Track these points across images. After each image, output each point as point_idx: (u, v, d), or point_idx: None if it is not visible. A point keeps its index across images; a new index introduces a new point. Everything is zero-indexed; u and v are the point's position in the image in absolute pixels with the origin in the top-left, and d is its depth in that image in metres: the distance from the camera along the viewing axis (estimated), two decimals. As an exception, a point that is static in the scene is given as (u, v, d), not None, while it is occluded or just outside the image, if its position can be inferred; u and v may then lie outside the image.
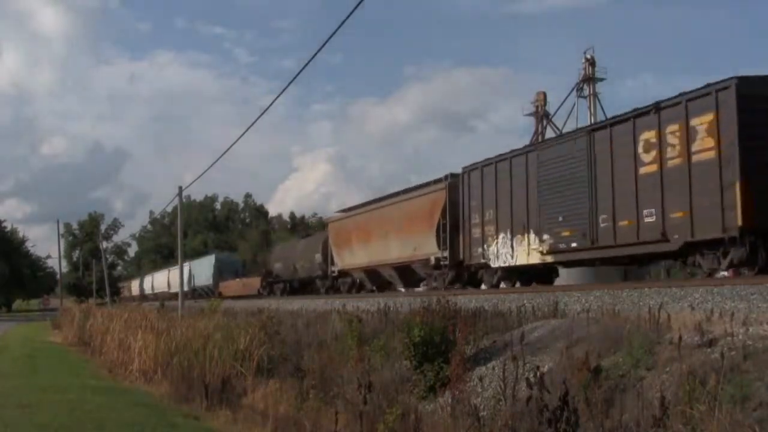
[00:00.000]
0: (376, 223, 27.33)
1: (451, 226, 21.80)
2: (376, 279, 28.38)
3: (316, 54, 12.02)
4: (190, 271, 56.66)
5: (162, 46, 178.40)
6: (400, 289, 26.80)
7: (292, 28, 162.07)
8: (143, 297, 76.24)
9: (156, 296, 66.72)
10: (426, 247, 23.06)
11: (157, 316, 22.43)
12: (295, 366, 14.06)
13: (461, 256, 21.34)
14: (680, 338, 7.74)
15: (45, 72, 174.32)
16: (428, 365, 10.94)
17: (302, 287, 37.13)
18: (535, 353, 9.97)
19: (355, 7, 9.65)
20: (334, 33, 10.86)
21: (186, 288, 54.42)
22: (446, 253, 21.84)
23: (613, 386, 8.03)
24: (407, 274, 25.67)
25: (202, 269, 56.43)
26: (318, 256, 33.19)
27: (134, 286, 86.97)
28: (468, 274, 21.73)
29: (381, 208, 27.65)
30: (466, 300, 14.45)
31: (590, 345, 9.26)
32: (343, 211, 32.53)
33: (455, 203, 21.84)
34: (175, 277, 59.91)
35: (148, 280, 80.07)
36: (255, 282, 44.01)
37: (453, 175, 22.53)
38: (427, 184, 24.65)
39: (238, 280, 49.44)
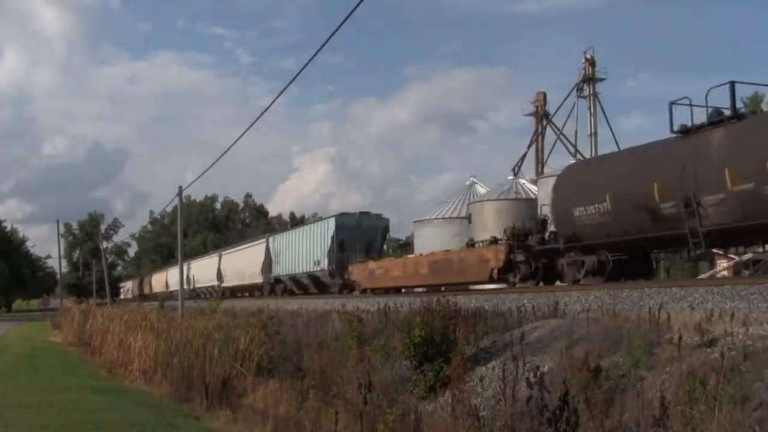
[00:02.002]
0: None
1: None
2: None
3: (316, 54, 11.97)
4: (266, 250, 39.14)
5: (163, 47, 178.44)
6: None
7: (292, 28, 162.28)
8: (144, 296, 68.00)
9: (199, 294, 51.57)
10: None
11: (157, 316, 22.41)
12: (295, 366, 14.07)
13: None
14: (680, 338, 7.74)
15: (46, 72, 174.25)
16: (428, 365, 10.95)
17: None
18: (535, 353, 9.97)
19: (355, 7, 9.64)
20: (334, 33, 10.82)
21: (260, 279, 39.35)
22: None
23: (613, 386, 8.04)
24: None
25: (308, 245, 33.99)
26: None
27: (155, 281, 68.72)
28: None
29: None
30: (466, 300, 14.45)
31: (590, 345, 9.26)
32: None
33: None
34: (230, 264, 46.53)
35: (176, 273, 61.53)
36: (475, 257, 20.90)
37: None
38: None
39: (417, 256, 27.61)
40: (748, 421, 6.30)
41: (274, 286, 38.41)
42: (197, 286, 53.91)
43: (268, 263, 38.91)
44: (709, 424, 6.33)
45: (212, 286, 50.52)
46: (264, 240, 41.12)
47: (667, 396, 6.82)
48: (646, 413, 6.96)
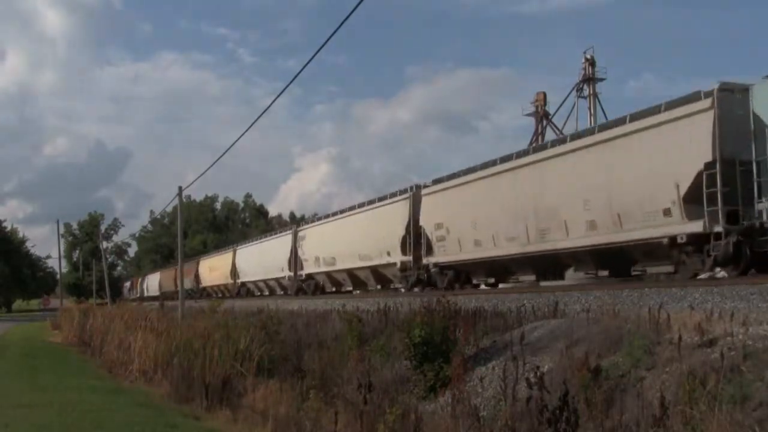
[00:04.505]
0: None
1: None
2: None
3: (316, 53, 11.92)
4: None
5: (165, 47, 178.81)
6: None
7: (295, 29, 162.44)
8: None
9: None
10: None
11: (157, 316, 22.39)
12: (295, 366, 14.05)
13: None
14: (680, 338, 7.74)
15: (48, 73, 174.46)
16: (428, 365, 10.94)
17: None
18: (535, 353, 9.96)
19: (355, 7, 9.63)
20: (334, 32, 10.79)
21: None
22: None
23: (613, 386, 8.03)
24: None
25: None
26: None
27: (206, 269, 54.45)
28: None
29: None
30: (466, 300, 14.44)
31: (590, 345, 9.26)
32: None
33: None
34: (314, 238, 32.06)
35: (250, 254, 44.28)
36: None
37: None
38: None
39: None
40: (748, 421, 6.30)
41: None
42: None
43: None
44: (709, 424, 6.32)
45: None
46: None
47: (667, 396, 6.81)
48: (646, 413, 6.96)
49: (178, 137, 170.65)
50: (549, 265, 18.37)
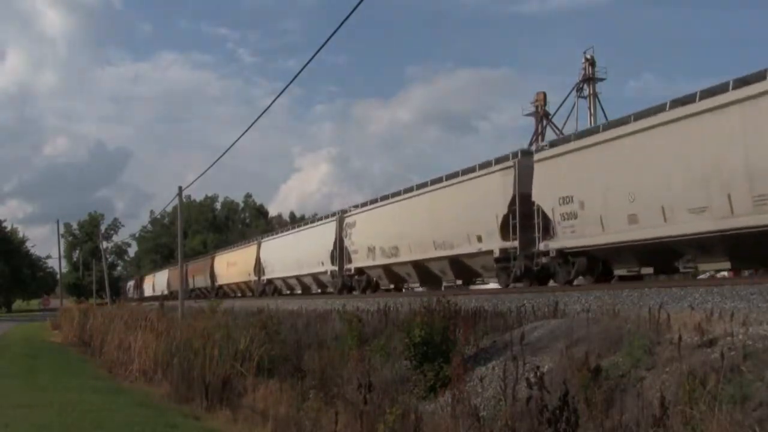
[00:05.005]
0: None
1: None
2: None
3: (316, 53, 11.94)
4: None
5: (165, 47, 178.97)
6: None
7: (295, 29, 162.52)
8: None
9: None
10: None
11: (157, 316, 22.37)
12: (295, 366, 14.05)
13: None
14: (680, 338, 7.74)
15: (48, 73, 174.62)
16: (428, 365, 10.94)
17: None
18: (535, 353, 9.96)
19: (355, 7, 9.64)
20: (334, 32, 10.80)
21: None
22: None
23: (613, 386, 8.03)
24: None
25: None
26: None
27: (223, 264, 50.01)
28: None
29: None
30: (467, 300, 14.45)
31: (590, 345, 9.26)
32: None
33: None
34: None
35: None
36: None
37: None
38: None
39: None
40: (748, 421, 6.30)
41: None
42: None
43: None
44: (709, 424, 6.32)
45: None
46: None
47: (667, 396, 6.81)
48: (646, 413, 6.96)
49: (178, 137, 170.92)
50: (762, 246, 13.00)
